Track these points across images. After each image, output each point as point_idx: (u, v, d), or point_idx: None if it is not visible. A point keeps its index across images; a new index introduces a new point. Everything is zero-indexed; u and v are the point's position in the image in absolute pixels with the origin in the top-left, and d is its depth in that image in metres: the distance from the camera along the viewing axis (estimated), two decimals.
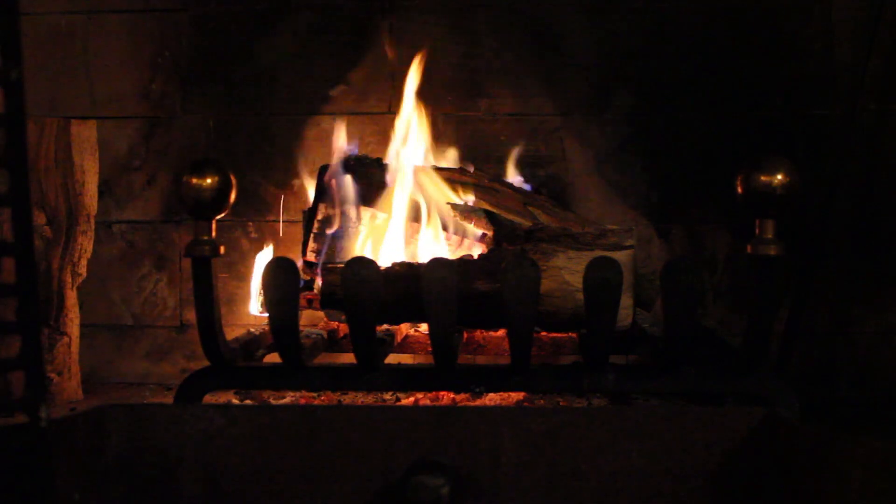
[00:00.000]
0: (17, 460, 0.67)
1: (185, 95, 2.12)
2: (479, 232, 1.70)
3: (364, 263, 1.29)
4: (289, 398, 1.76)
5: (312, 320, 1.81)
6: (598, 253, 1.42)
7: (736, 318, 1.99)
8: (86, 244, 1.87)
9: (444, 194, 1.77)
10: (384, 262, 1.62)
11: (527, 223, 1.65)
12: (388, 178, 1.80)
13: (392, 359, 1.56)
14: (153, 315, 2.13)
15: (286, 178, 2.10)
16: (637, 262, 1.53)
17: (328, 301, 1.57)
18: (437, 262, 1.30)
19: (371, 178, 1.80)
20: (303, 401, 1.74)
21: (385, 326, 1.63)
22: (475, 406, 1.41)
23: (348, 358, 1.44)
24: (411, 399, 1.72)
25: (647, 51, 2.04)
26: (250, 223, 2.11)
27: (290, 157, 2.09)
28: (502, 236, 1.58)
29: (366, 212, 1.79)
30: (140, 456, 1.01)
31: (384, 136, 2.00)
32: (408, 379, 1.42)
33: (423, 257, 1.73)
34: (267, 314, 1.32)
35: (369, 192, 1.79)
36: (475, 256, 1.56)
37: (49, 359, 1.80)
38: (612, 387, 1.37)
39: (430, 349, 1.37)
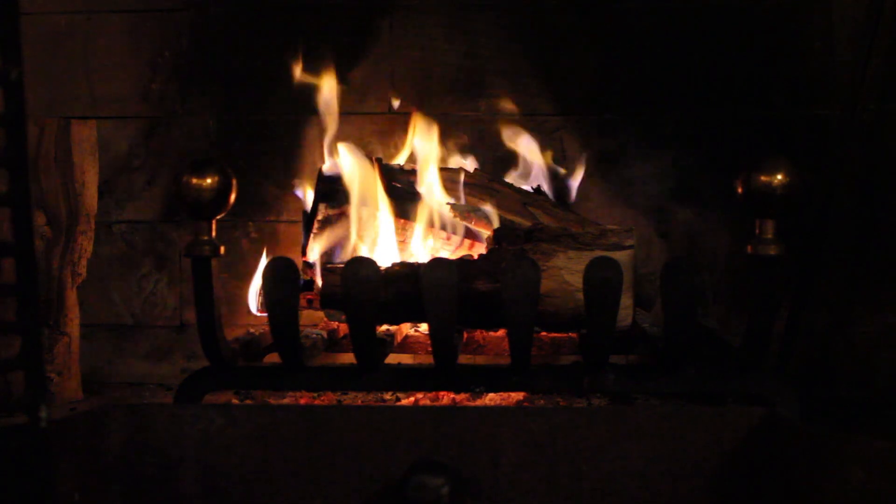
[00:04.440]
0: (17, 460, 0.67)
1: (185, 95, 2.12)
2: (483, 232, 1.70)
3: (364, 263, 1.29)
4: (289, 398, 1.76)
5: (312, 320, 1.81)
6: (598, 253, 1.42)
7: (736, 318, 1.99)
8: (86, 244, 1.87)
9: (444, 194, 1.77)
10: (384, 262, 1.62)
11: (527, 223, 1.65)
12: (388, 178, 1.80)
13: (392, 359, 1.56)
14: (153, 315, 2.13)
15: (286, 178, 2.10)
16: (637, 262, 1.53)
17: (328, 301, 1.57)
18: (437, 262, 1.30)
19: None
20: (303, 401, 1.74)
21: (385, 326, 1.63)
22: (475, 406, 1.41)
23: (348, 358, 1.44)
24: (411, 399, 1.72)
25: (648, 51, 2.04)
26: (250, 223, 2.11)
27: (290, 157, 2.09)
28: (502, 236, 1.58)
29: (365, 212, 1.79)
30: (140, 456, 1.01)
31: (384, 136, 2.00)
32: (408, 379, 1.42)
33: (423, 257, 1.73)
34: (267, 314, 1.32)
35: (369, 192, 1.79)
36: (475, 256, 1.56)
37: (49, 359, 1.80)
38: (612, 387, 1.37)
39: (430, 349, 1.37)
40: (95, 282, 2.01)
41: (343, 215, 1.79)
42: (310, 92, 2.08)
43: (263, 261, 1.86)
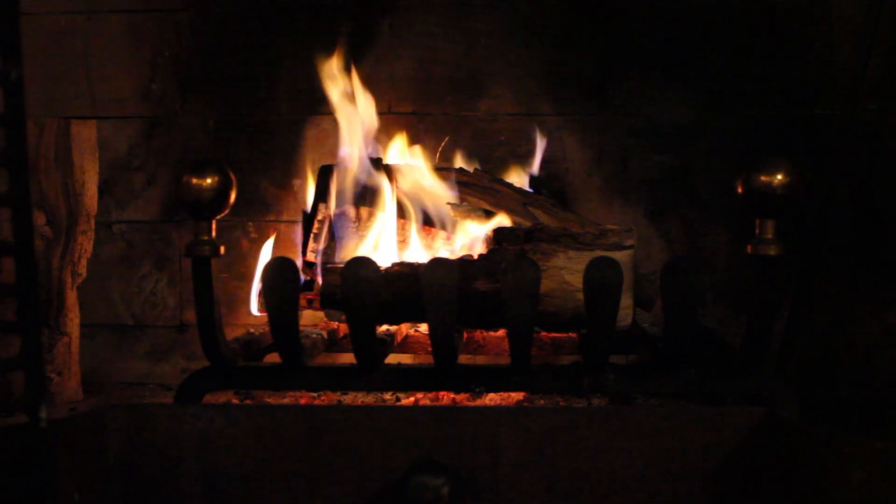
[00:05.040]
0: (17, 460, 0.67)
1: (185, 95, 2.12)
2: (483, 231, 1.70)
3: (364, 263, 1.29)
4: (289, 398, 1.76)
5: (312, 320, 1.81)
6: (598, 253, 1.42)
7: (736, 318, 1.99)
8: (86, 244, 1.87)
9: (444, 194, 1.77)
10: (384, 262, 1.62)
11: (527, 223, 1.65)
12: (388, 178, 1.80)
13: (392, 359, 1.56)
14: (153, 315, 2.13)
15: (286, 178, 2.10)
16: (637, 262, 1.53)
17: (328, 301, 1.57)
18: (437, 262, 1.30)
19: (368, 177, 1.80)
20: (303, 401, 1.74)
21: (385, 326, 1.63)
22: (475, 406, 1.41)
23: (348, 358, 1.44)
24: (411, 399, 1.72)
25: (648, 50, 2.04)
26: (250, 223, 2.11)
27: (290, 157, 2.09)
28: (502, 236, 1.58)
29: (365, 212, 1.79)
30: (140, 456, 1.01)
31: (384, 136, 2.00)
32: (408, 379, 1.42)
33: (423, 257, 1.73)
34: (267, 314, 1.32)
35: (369, 191, 1.79)
36: (475, 256, 1.56)
37: (49, 359, 1.80)
38: (612, 387, 1.37)
39: (430, 349, 1.37)
40: (95, 282, 2.01)
41: (344, 215, 1.79)
42: (309, 92, 2.08)
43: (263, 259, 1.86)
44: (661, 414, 1.02)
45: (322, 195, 1.81)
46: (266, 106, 2.11)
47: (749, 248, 1.25)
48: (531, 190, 1.94)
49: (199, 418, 1.03)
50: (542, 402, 1.72)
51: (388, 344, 1.55)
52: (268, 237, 2.06)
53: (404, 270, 1.52)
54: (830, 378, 1.98)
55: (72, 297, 1.85)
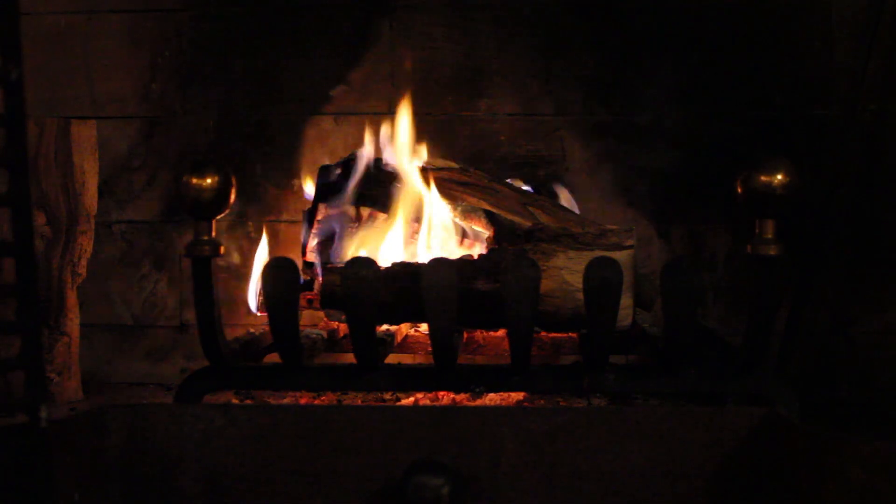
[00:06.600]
0: (17, 460, 0.67)
1: (185, 95, 2.12)
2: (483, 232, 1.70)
3: (364, 263, 1.29)
4: (289, 398, 1.76)
5: (312, 320, 1.81)
6: (598, 253, 1.42)
7: (736, 318, 1.99)
8: (86, 244, 1.87)
9: (444, 194, 1.77)
10: (384, 261, 1.62)
11: (527, 223, 1.65)
12: (388, 178, 1.80)
13: (392, 359, 1.56)
14: (153, 315, 2.13)
15: (286, 178, 2.10)
16: (637, 262, 1.53)
17: (328, 301, 1.57)
18: (437, 262, 1.30)
19: (370, 177, 1.81)
20: (303, 401, 1.74)
21: (385, 326, 1.63)
22: (475, 406, 1.41)
23: (348, 358, 1.44)
24: (411, 399, 1.72)
25: (648, 51, 2.04)
26: (250, 223, 2.11)
27: (290, 157, 2.09)
28: (502, 236, 1.58)
29: (366, 212, 1.79)
30: (140, 456, 1.01)
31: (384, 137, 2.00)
32: (408, 379, 1.42)
33: (423, 257, 1.73)
34: (267, 314, 1.32)
35: (369, 191, 1.79)
36: (475, 256, 1.56)
37: (49, 359, 1.80)
38: (612, 387, 1.37)
39: (430, 349, 1.37)
40: (95, 282, 2.01)
41: (343, 215, 1.79)
42: (309, 92, 2.08)
43: (258, 259, 1.87)
44: (661, 414, 1.02)
45: (322, 195, 1.81)
46: (266, 106, 2.11)
47: (749, 248, 1.25)
48: (531, 190, 1.94)
49: (199, 418, 1.03)
50: (542, 402, 1.72)
51: (388, 344, 1.55)
52: (268, 237, 2.06)
53: (404, 270, 1.52)
54: (830, 378, 1.97)
55: (72, 297, 1.85)
